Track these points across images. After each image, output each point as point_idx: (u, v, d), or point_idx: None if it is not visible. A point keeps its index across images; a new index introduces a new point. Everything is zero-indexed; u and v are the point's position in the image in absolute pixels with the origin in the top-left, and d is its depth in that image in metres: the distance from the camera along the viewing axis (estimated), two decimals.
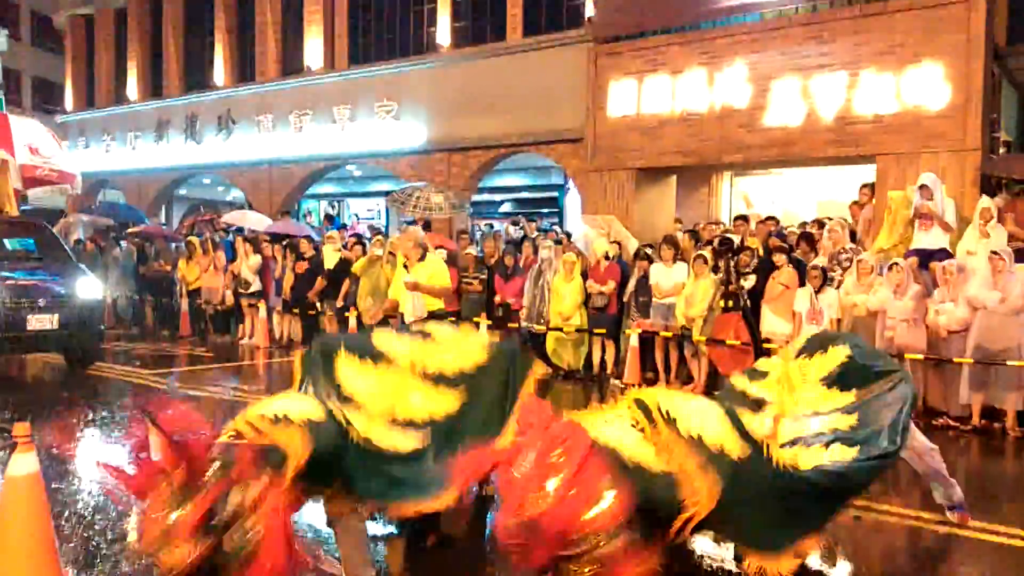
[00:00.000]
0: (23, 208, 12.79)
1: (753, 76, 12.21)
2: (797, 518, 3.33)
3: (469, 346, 4.34)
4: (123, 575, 3.85)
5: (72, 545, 4.20)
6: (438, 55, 16.71)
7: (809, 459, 3.35)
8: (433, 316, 6.89)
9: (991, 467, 6.67)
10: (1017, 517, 4.98)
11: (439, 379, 4.09)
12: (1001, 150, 11.63)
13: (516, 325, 10.75)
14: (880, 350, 4.72)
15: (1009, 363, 7.21)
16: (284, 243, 13.08)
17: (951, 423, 7.52)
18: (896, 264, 8.04)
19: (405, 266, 7.08)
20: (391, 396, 3.89)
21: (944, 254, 8.57)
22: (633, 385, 9.49)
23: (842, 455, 3.37)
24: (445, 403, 3.99)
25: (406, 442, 3.67)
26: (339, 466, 3.40)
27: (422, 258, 7.01)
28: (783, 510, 3.31)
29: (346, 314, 11.83)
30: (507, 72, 15.35)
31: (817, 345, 4.06)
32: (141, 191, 22.35)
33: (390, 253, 11.81)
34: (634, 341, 9.73)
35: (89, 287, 9.96)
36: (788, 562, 3.22)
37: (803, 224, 11.62)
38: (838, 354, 3.93)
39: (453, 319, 11.09)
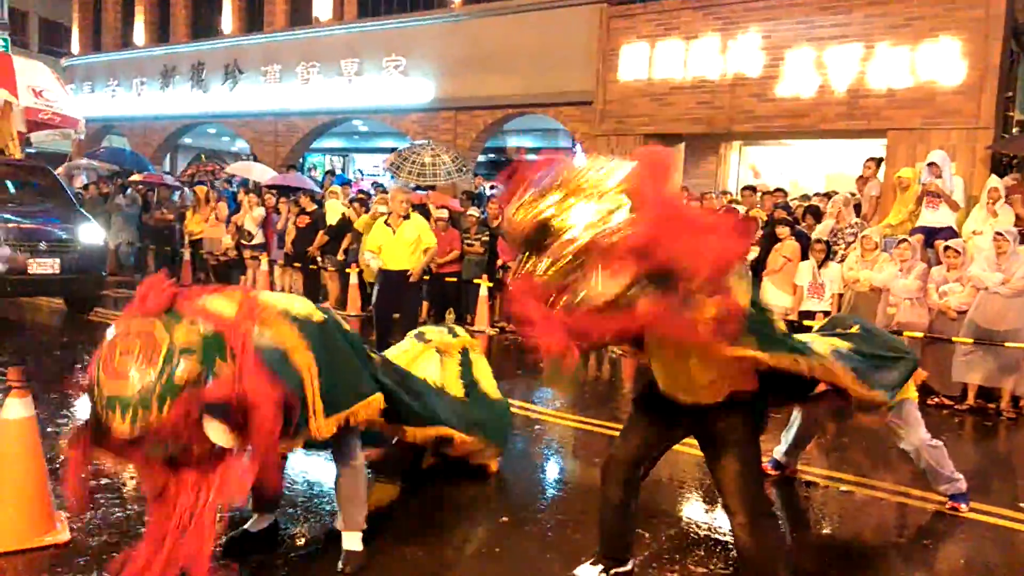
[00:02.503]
0: (27, 151, 12.72)
1: (767, 45, 12.03)
2: None
3: None
4: (116, 520, 3.88)
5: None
6: (448, 11, 16.47)
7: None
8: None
9: (983, 447, 6.69)
10: (1006, 498, 5.00)
11: None
12: (1014, 129, 11.50)
13: None
14: (890, 336, 4.75)
15: (1008, 345, 7.20)
16: (292, 197, 13.04)
17: (945, 402, 7.53)
18: (905, 241, 7.99)
19: (387, 223, 7.11)
20: None
21: (950, 233, 8.52)
22: None
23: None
24: None
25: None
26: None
27: (406, 216, 7.08)
28: None
29: (347, 270, 11.83)
30: (518, 31, 15.13)
31: (830, 327, 4.25)
32: (146, 138, 22.20)
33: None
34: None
35: (91, 233, 9.94)
36: None
37: (805, 196, 11.55)
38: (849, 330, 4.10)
39: (454, 279, 11.10)
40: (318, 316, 3.27)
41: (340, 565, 3.53)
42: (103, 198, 15.53)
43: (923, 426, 4.52)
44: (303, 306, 3.27)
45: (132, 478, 4.55)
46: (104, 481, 4.39)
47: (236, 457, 2.74)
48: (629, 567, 3.47)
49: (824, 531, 4.44)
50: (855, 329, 4.10)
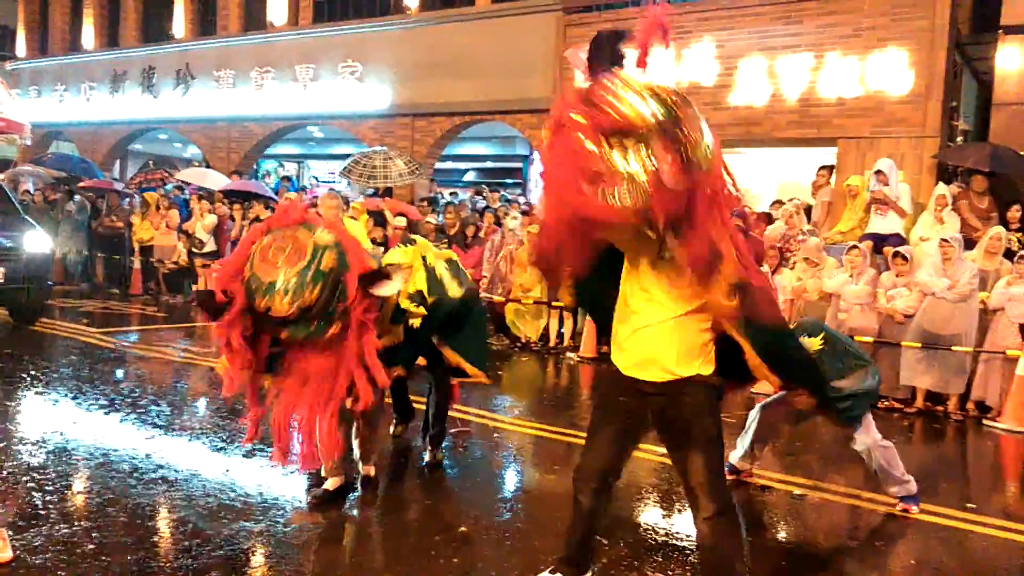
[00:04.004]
0: None
1: (720, 54, 12.20)
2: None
3: None
4: (61, 537, 3.77)
5: (9, 505, 4.10)
6: (405, 17, 16.40)
7: None
8: None
9: (933, 449, 6.84)
10: (955, 498, 5.11)
11: None
12: (959, 138, 11.80)
13: None
14: (851, 341, 4.93)
15: (955, 348, 7.38)
16: (247, 204, 12.86)
17: (895, 405, 7.69)
18: (855, 248, 8.14)
19: None
20: None
21: (898, 239, 8.71)
22: (590, 358, 9.54)
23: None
24: None
25: None
26: None
27: None
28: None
29: None
30: (475, 38, 15.13)
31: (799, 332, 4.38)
32: (95, 144, 21.71)
33: (350, 219, 11.68)
34: None
35: (37, 241, 9.69)
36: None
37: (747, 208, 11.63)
38: (813, 344, 4.30)
39: None
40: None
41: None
42: (50, 205, 15.15)
43: (874, 427, 4.60)
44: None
45: (79, 494, 4.42)
46: (49, 498, 4.26)
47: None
48: (589, 575, 3.46)
49: (778, 534, 4.49)
50: (819, 341, 4.24)
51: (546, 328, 10.37)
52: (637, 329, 3.04)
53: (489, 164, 21.47)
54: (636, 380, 3.08)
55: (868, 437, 4.55)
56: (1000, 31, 10.75)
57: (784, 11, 11.73)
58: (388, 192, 13.47)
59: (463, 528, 4.20)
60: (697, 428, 3.03)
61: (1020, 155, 9.78)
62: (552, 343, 10.25)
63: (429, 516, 4.46)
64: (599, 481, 3.24)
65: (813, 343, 4.30)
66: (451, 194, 16.86)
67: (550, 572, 3.42)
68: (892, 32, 10.95)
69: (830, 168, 10.99)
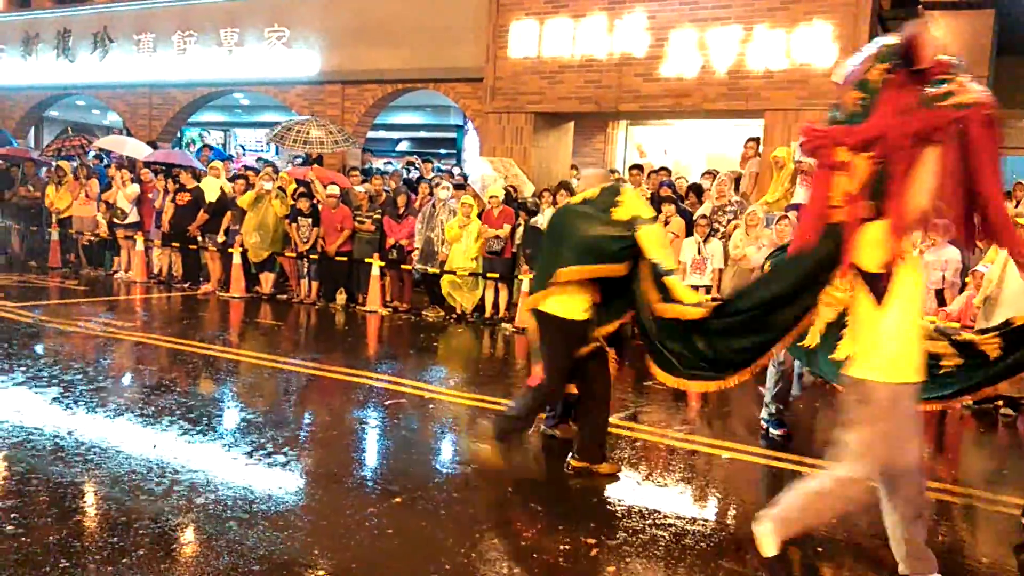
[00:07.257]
0: None
1: (652, 25, 12.25)
2: None
3: None
4: None
5: None
6: None
7: None
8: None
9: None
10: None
11: None
12: None
13: (409, 267, 10.65)
14: None
15: None
16: (174, 172, 12.46)
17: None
18: (785, 218, 8.32)
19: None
20: None
21: None
22: (525, 329, 9.58)
23: None
24: None
25: None
26: None
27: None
28: None
29: (229, 249, 11.41)
30: (406, 5, 14.85)
31: None
32: (7, 110, 20.67)
33: (279, 188, 11.43)
34: (526, 286, 9.79)
35: None
36: None
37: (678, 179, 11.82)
38: None
39: (344, 258, 10.87)
40: None
41: None
42: None
43: None
44: None
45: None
46: None
47: None
48: None
49: (709, 497, 4.61)
50: None
51: (481, 299, 10.37)
52: None
53: (423, 134, 21.24)
54: None
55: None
56: (919, 6, 11.06)
57: None
58: (319, 161, 13.24)
59: (398, 499, 4.19)
60: None
61: None
62: (488, 314, 10.26)
63: (364, 488, 4.44)
64: None
65: None
66: (385, 163, 16.63)
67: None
68: (818, 5, 11.15)
69: (757, 140, 11.20)
